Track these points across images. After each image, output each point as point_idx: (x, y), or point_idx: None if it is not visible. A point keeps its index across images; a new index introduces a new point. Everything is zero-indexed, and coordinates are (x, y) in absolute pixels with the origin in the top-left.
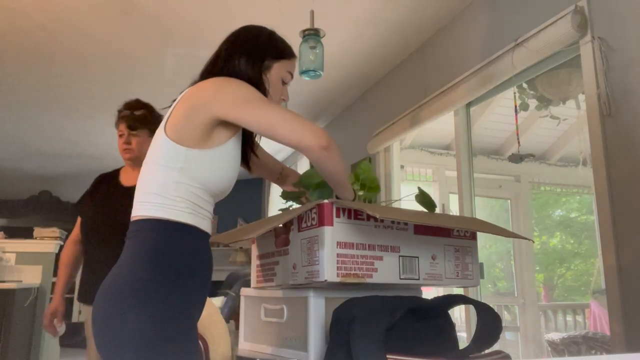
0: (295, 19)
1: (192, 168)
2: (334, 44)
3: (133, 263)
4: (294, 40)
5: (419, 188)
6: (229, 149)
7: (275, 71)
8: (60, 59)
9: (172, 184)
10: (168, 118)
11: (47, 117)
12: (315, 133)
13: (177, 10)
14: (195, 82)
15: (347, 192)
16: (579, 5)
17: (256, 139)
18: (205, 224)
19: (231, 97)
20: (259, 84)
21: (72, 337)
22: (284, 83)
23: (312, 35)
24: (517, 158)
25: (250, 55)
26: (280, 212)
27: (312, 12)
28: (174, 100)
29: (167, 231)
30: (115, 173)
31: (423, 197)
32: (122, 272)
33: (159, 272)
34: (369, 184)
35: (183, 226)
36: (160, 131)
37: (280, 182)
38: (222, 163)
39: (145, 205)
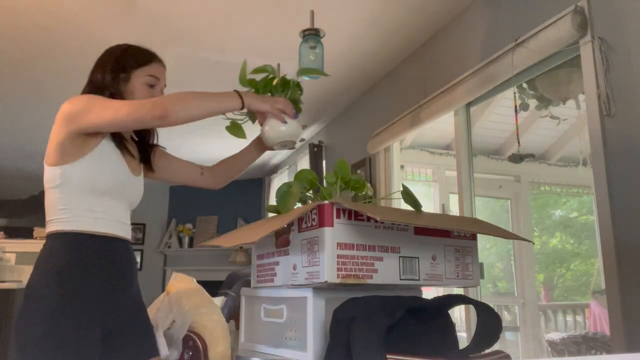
0: (295, 19)
1: (69, 180)
2: (334, 44)
3: (34, 273)
4: (294, 40)
5: (403, 186)
6: (100, 153)
7: (136, 79)
8: (60, 59)
9: (55, 200)
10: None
11: (47, 117)
12: (148, 107)
13: (178, 10)
14: None
15: (223, 101)
16: (579, 5)
17: (152, 140)
18: (98, 224)
19: (75, 111)
20: (116, 95)
21: None
22: (152, 86)
23: (312, 35)
24: (517, 158)
25: (105, 71)
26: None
27: (312, 12)
28: None
29: (49, 242)
30: None
31: (408, 196)
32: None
33: (44, 278)
34: (352, 184)
35: (65, 234)
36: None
37: (207, 180)
38: (96, 165)
39: (47, 226)
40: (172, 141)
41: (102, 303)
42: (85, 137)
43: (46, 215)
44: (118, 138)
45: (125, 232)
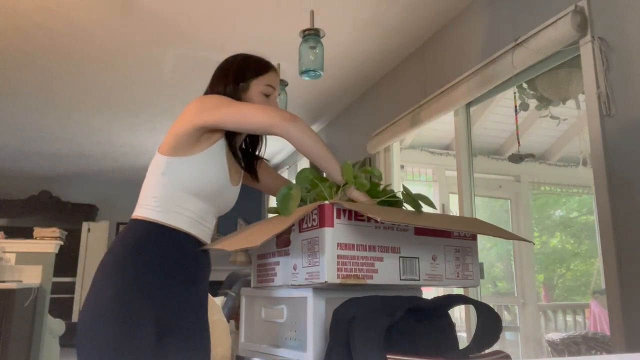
0: (295, 19)
1: (171, 172)
2: (334, 44)
3: (116, 251)
4: (294, 40)
5: (403, 186)
6: (208, 155)
7: (254, 88)
8: (60, 59)
9: (152, 187)
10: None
11: (47, 117)
12: (277, 112)
13: (177, 10)
14: None
15: (334, 170)
16: (579, 5)
17: (259, 152)
18: (182, 221)
19: (205, 106)
20: None
21: (72, 337)
22: (268, 96)
23: (312, 35)
24: (517, 158)
25: (227, 81)
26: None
27: (312, 12)
28: None
29: (131, 226)
30: None
31: (409, 197)
32: (105, 257)
33: (132, 258)
34: (357, 187)
35: (147, 223)
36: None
37: None
38: (200, 166)
39: (137, 209)
40: None
41: (162, 298)
42: (202, 135)
43: (139, 199)
44: (232, 143)
45: (206, 236)
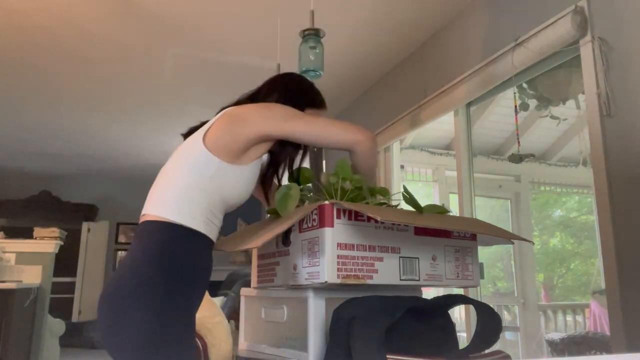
0: (295, 19)
1: (219, 178)
2: (334, 44)
3: (140, 264)
4: (294, 40)
5: (404, 187)
6: (253, 169)
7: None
8: (60, 59)
9: (196, 191)
10: (208, 129)
11: (48, 117)
12: (362, 131)
13: (177, 10)
14: (233, 104)
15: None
16: (579, 5)
17: (281, 174)
18: (214, 233)
19: (281, 113)
20: None
21: (72, 337)
22: None
23: (312, 35)
24: (517, 158)
25: (288, 97)
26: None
27: (312, 12)
28: (217, 114)
29: (177, 235)
30: None
31: (409, 198)
32: (128, 271)
33: (165, 273)
34: (354, 183)
35: (194, 233)
36: (197, 139)
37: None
38: (244, 180)
39: (163, 208)
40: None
41: (199, 304)
42: (255, 144)
43: (164, 196)
44: (278, 160)
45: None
